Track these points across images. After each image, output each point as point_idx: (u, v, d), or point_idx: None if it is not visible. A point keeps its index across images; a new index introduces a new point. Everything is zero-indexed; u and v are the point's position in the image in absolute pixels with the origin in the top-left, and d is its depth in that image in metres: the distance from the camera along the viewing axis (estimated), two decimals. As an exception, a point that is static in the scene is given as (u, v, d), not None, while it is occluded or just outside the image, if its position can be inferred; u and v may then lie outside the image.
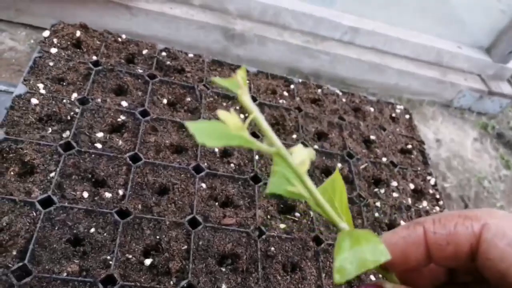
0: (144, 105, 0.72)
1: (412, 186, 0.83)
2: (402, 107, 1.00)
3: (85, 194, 0.58)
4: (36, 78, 0.68)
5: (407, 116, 0.98)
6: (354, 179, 0.77)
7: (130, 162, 0.63)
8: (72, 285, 0.50)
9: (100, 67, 0.74)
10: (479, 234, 0.24)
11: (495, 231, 0.24)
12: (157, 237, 0.57)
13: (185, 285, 0.54)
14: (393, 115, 0.96)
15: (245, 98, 0.22)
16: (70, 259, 0.52)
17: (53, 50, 0.73)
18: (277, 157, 0.23)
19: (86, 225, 0.55)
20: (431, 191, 0.84)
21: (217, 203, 0.65)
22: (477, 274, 0.25)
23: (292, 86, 0.90)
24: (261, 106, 0.82)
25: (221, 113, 0.21)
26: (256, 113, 0.22)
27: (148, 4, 1.53)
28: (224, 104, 0.80)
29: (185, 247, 0.58)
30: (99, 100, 0.69)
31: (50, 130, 0.63)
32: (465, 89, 2.01)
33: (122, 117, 0.69)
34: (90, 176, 0.61)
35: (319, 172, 0.76)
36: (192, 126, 0.21)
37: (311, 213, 0.69)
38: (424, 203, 0.81)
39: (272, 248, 0.62)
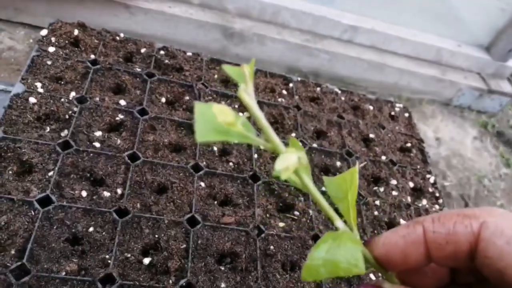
0: (143, 104, 0.72)
1: (411, 184, 0.83)
2: (401, 105, 1.00)
3: (84, 193, 0.58)
4: (34, 77, 0.68)
5: (406, 115, 0.98)
6: (354, 177, 0.77)
7: (129, 161, 0.63)
8: (71, 284, 0.50)
9: (98, 66, 0.74)
10: (477, 233, 0.24)
11: (494, 229, 0.23)
12: (156, 236, 0.57)
13: (184, 284, 0.54)
14: (392, 113, 0.96)
15: (244, 95, 0.22)
16: (68, 258, 0.52)
17: (51, 49, 0.73)
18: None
19: (84, 224, 0.55)
20: (430, 190, 0.84)
21: (216, 202, 0.65)
22: (479, 274, 0.25)
23: (291, 85, 0.89)
24: (260, 104, 0.81)
25: (215, 107, 0.21)
26: (255, 110, 0.22)
27: (147, 3, 1.52)
28: (223, 102, 0.79)
29: (184, 246, 0.57)
30: (97, 99, 0.69)
31: (48, 129, 0.63)
32: (465, 87, 2.00)
33: (121, 116, 0.69)
34: (88, 175, 0.60)
35: (318, 171, 0.76)
36: (199, 107, 0.21)
37: (310, 211, 0.69)
38: (424, 202, 0.81)
39: (271, 247, 0.62)
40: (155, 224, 0.58)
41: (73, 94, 0.68)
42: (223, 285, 0.56)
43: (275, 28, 1.72)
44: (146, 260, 0.55)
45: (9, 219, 0.52)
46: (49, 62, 0.71)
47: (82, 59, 0.74)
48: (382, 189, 0.79)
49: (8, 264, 0.48)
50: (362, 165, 0.81)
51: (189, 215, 0.61)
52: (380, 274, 0.28)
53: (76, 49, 0.76)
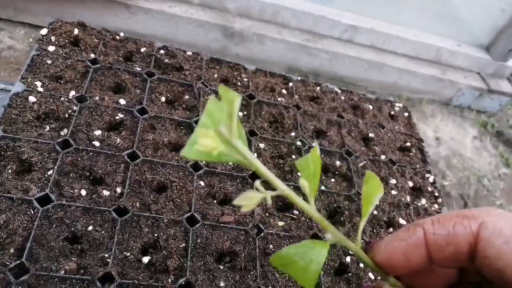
0: (142, 103, 0.72)
1: (410, 184, 0.83)
2: (401, 105, 1.00)
3: (83, 192, 0.58)
4: (34, 76, 0.68)
5: (406, 114, 0.98)
6: (353, 176, 0.77)
7: (128, 160, 0.63)
8: (70, 283, 0.50)
9: (98, 65, 0.74)
10: (476, 233, 0.24)
11: (492, 229, 0.24)
12: (155, 235, 0.57)
13: (183, 282, 0.54)
14: (392, 113, 0.96)
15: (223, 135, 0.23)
16: (68, 257, 0.52)
17: (51, 48, 0.73)
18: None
19: (84, 223, 0.55)
20: (429, 189, 0.84)
21: (215, 201, 0.65)
22: (482, 274, 0.25)
23: (290, 84, 0.89)
24: (259, 103, 0.81)
25: (200, 131, 0.23)
26: (249, 154, 0.24)
27: (147, 3, 1.52)
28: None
29: (183, 245, 0.57)
30: (97, 98, 0.69)
31: (47, 128, 0.63)
32: (465, 87, 2.00)
33: (120, 115, 0.69)
34: (88, 174, 0.60)
35: (318, 170, 0.76)
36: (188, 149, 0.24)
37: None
38: (423, 201, 0.81)
39: (271, 246, 0.62)
40: (155, 223, 0.58)
41: (73, 93, 0.68)
42: (222, 284, 0.56)
43: (275, 28, 1.72)
44: (145, 259, 0.55)
45: (8, 218, 0.52)
46: (49, 61, 0.71)
47: (82, 58, 0.74)
48: (381, 189, 0.79)
49: (7, 263, 0.48)
50: (361, 164, 0.81)
51: (188, 214, 0.61)
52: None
53: (76, 48, 0.76)
